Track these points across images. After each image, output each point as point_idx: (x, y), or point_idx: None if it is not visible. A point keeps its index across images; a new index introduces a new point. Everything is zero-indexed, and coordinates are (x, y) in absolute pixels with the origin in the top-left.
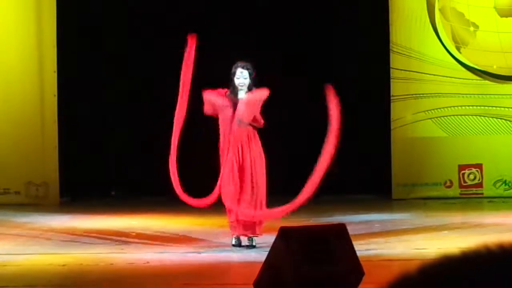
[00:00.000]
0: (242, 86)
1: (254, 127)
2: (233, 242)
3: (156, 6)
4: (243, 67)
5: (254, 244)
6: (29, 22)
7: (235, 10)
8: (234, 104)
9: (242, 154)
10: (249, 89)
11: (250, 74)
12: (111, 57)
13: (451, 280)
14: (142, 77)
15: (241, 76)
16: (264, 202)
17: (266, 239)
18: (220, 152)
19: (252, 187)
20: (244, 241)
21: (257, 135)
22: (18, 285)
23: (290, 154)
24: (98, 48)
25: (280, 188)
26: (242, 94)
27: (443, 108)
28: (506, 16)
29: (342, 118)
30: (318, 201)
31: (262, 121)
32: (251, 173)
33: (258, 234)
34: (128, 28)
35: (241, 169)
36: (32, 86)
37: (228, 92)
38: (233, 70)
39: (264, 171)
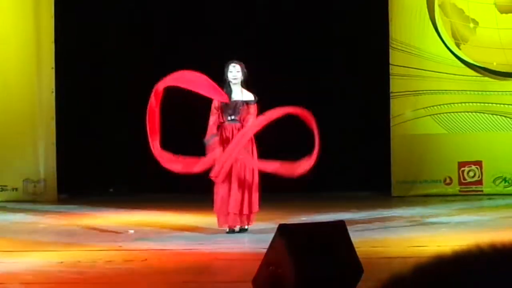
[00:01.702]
0: (235, 79)
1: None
2: (227, 230)
3: (156, 3)
4: (235, 63)
5: (246, 228)
6: (27, 18)
7: (235, 11)
8: (226, 103)
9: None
10: (242, 84)
11: (242, 70)
12: (110, 53)
13: (443, 280)
14: (141, 74)
15: (234, 70)
16: (256, 204)
17: (263, 230)
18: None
19: (243, 183)
20: (237, 228)
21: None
22: (15, 282)
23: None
24: (97, 44)
25: (274, 186)
26: (235, 92)
27: (442, 105)
28: (506, 13)
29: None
30: (317, 198)
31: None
32: (244, 173)
33: (250, 224)
34: (127, 24)
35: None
36: (30, 82)
37: (224, 92)
38: (225, 67)
39: (256, 171)
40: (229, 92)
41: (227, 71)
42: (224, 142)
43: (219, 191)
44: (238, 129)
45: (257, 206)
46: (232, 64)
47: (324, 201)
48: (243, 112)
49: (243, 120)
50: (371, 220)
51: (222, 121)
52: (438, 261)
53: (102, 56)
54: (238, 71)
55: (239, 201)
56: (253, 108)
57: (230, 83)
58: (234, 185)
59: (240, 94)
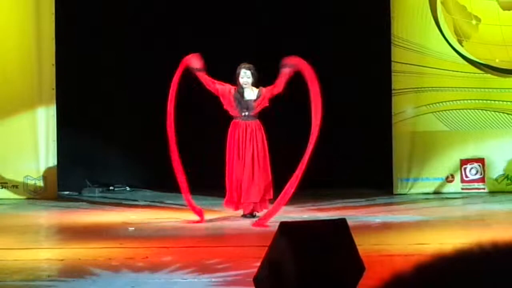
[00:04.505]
0: (246, 84)
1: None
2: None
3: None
4: (246, 68)
5: (254, 214)
6: (27, 14)
7: (235, 11)
8: (239, 102)
9: (245, 146)
10: (253, 85)
11: (252, 74)
12: (110, 50)
13: (445, 279)
14: (142, 71)
15: (245, 76)
16: (268, 191)
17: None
18: (228, 143)
19: (253, 177)
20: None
21: (262, 128)
22: (16, 280)
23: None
24: (97, 40)
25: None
26: (247, 92)
27: (444, 102)
28: (509, 9)
29: (326, 114)
30: (319, 196)
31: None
32: (253, 164)
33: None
34: (128, 20)
35: (244, 160)
36: (30, 79)
37: (235, 91)
38: (237, 71)
39: (267, 162)
40: (241, 92)
41: (238, 76)
42: (237, 138)
43: (233, 179)
44: (252, 126)
45: (271, 193)
46: (243, 70)
47: (326, 198)
48: (257, 108)
49: (258, 114)
50: (373, 217)
51: (236, 116)
52: (439, 259)
53: (104, 53)
54: (248, 77)
55: (256, 189)
56: (264, 91)
57: (243, 85)
58: (251, 174)
59: (252, 93)
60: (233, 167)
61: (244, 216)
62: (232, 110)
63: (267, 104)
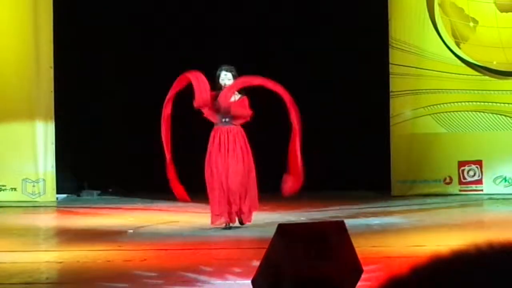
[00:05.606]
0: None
1: (240, 121)
2: (223, 226)
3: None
4: (226, 70)
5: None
6: (25, 17)
7: (233, 11)
8: (219, 107)
9: (227, 152)
10: None
11: (233, 76)
12: (109, 52)
13: (441, 280)
14: (140, 74)
15: (225, 78)
16: (252, 198)
17: (262, 229)
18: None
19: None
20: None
21: (243, 133)
22: (15, 283)
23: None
24: (95, 43)
25: (270, 185)
26: None
27: (442, 104)
28: (506, 11)
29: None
30: (317, 198)
31: (249, 112)
32: (243, 171)
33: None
34: (127, 23)
35: (227, 166)
36: (28, 82)
37: (216, 94)
38: (217, 73)
39: (252, 167)
40: None
41: (219, 78)
42: (219, 144)
43: (215, 190)
44: (233, 131)
45: (257, 205)
46: (224, 73)
47: (324, 200)
48: (234, 111)
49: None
50: (371, 219)
51: (216, 122)
52: (436, 261)
53: (101, 55)
54: (229, 79)
55: (238, 199)
56: (242, 101)
57: (223, 88)
58: (231, 183)
59: (233, 97)
60: (216, 174)
61: (226, 227)
62: (213, 116)
63: (248, 113)
